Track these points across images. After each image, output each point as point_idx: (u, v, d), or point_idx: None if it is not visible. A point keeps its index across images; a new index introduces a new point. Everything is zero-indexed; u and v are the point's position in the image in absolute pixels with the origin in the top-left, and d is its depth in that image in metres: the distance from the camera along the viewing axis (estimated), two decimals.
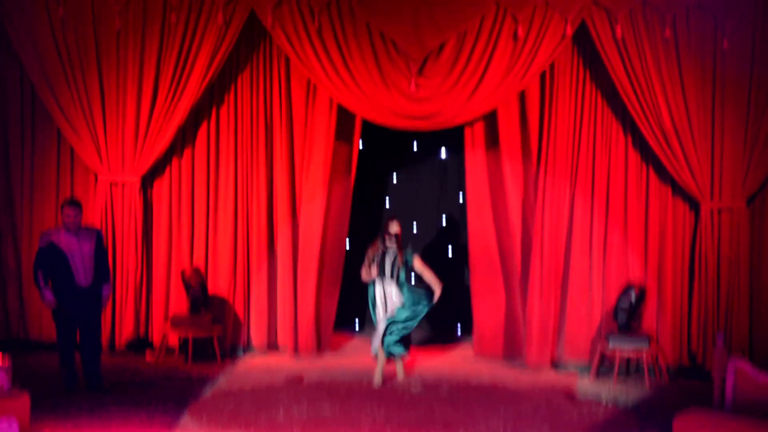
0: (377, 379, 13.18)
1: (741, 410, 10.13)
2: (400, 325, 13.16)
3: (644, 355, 13.64)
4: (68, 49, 14.30)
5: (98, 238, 12.68)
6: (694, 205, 14.13)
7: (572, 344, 14.47)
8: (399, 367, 13.55)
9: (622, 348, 13.63)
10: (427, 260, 13.45)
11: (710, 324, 13.89)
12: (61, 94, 14.40)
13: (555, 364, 14.48)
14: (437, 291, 13.13)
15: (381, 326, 13.21)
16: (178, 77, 14.30)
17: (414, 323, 13.23)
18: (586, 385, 13.54)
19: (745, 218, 13.88)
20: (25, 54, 14.37)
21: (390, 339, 13.16)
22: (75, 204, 12.50)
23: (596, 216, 14.36)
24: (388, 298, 13.18)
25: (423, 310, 13.19)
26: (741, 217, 13.84)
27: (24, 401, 10.27)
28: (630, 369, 14.15)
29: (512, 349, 14.73)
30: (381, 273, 13.18)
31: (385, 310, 13.19)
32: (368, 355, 13.99)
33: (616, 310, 13.88)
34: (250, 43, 14.75)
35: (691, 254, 14.24)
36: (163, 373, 13.64)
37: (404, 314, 13.14)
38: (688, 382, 13.74)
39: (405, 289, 13.19)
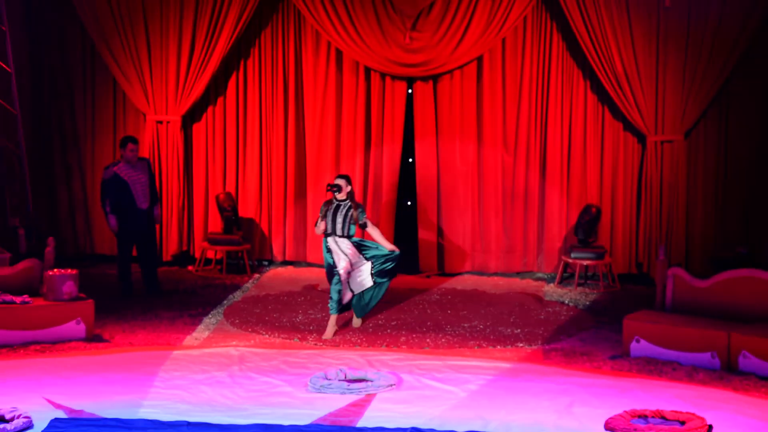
0: (329, 333, 11.17)
1: (678, 310, 10.46)
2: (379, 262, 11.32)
3: (600, 265, 13.70)
4: (120, 11, 14.36)
5: (149, 166, 12.82)
6: (642, 139, 14.12)
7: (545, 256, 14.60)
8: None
9: (582, 258, 13.64)
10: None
11: (654, 239, 13.92)
12: (115, 49, 14.48)
13: (527, 274, 14.55)
14: (390, 246, 11.36)
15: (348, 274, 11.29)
16: (211, 33, 14.32)
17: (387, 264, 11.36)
18: (551, 289, 13.63)
19: (683, 149, 13.87)
20: (86, 17, 14.44)
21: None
22: (135, 140, 12.66)
23: (563, 148, 14.43)
24: (342, 251, 11.19)
25: (393, 255, 11.36)
26: (680, 148, 13.85)
27: (89, 306, 10.60)
28: (588, 276, 14.15)
29: (491, 261, 14.66)
30: (332, 228, 11.18)
31: (348, 263, 11.24)
32: None
33: (576, 227, 13.86)
34: (272, 5, 14.70)
35: (639, 180, 14.22)
36: (202, 282, 13.75)
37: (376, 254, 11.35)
38: (635, 287, 13.84)
39: (359, 241, 11.39)
